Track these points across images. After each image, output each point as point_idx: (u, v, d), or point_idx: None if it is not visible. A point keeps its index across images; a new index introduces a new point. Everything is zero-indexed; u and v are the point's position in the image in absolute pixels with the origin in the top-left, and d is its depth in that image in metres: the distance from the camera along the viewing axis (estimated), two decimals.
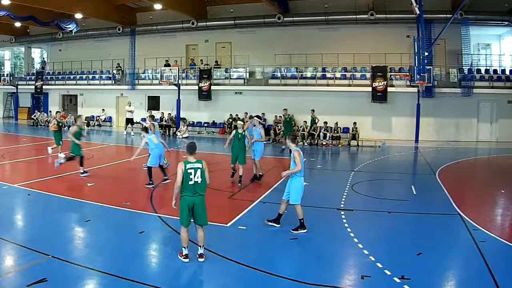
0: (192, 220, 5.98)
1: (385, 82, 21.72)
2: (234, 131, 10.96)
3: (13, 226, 7.38)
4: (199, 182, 5.89)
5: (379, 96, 21.98)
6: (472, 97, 21.21)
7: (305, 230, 7.24)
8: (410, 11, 18.97)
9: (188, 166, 5.89)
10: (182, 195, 5.89)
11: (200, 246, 5.98)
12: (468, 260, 6.28)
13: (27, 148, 17.32)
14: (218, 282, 5.50)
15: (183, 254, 5.93)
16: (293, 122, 19.19)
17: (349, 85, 22.73)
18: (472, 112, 21.71)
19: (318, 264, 6.03)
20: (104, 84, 28.49)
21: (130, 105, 24.60)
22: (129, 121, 24.19)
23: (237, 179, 10.91)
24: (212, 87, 24.93)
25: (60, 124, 14.97)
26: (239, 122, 11.34)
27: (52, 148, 15.05)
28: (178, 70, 24.50)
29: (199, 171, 5.91)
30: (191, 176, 5.84)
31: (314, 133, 20.90)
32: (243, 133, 10.88)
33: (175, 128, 24.33)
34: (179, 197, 5.96)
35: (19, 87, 31.37)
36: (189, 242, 5.98)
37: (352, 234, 7.13)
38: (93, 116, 28.11)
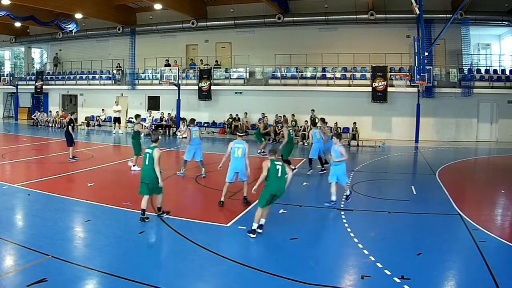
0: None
1: (385, 82, 21.72)
2: None
3: (13, 226, 7.37)
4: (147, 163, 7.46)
5: (379, 96, 21.97)
6: (472, 97, 21.20)
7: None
8: (410, 11, 18.96)
9: (146, 150, 7.55)
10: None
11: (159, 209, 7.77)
12: (468, 260, 6.27)
13: (27, 148, 17.30)
14: (219, 282, 5.49)
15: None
16: None
17: (349, 85, 22.74)
18: (472, 112, 21.70)
19: (318, 264, 6.03)
20: (104, 84, 28.47)
21: (117, 104, 24.58)
22: (116, 120, 24.18)
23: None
24: (212, 87, 24.93)
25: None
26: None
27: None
28: (178, 70, 24.48)
29: (148, 155, 7.47)
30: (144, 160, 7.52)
31: None
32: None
33: (175, 128, 24.32)
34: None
35: (19, 87, 31.33)
36: (146, 207, 7.60)
37: (352, 234, 7.12)
38: (93, 116, 28.08)
